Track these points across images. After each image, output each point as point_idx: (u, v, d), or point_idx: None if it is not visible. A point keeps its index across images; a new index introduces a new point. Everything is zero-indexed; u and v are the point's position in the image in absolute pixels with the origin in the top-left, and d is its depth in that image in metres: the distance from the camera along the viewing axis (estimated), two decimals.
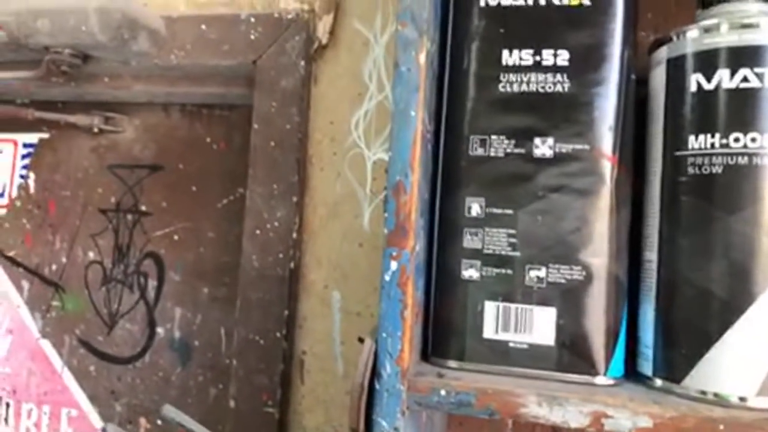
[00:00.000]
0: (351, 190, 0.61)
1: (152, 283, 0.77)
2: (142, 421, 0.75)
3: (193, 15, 0.67)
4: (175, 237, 0.77)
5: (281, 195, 0.61)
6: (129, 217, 0.78)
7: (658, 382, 0.36)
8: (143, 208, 0.78)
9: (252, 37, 0.64)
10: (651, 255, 0.37)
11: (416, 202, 0.36)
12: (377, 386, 0.35)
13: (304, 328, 0.62)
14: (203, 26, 0.66)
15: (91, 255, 0.79)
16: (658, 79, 0.38)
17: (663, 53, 0.38)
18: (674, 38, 0.37)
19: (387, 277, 0.36)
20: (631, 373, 0.38)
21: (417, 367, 0.38)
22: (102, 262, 0.78)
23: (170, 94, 0.73)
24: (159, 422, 0.73)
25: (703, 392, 0.34)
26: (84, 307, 0.78)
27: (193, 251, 0.76)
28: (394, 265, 0.35)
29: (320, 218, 0.62)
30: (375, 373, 0.35)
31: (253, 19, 0.64)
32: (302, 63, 0.62)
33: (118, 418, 0.76)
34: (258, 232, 0.62)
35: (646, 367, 0.37)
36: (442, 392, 0.35)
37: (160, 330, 0.76)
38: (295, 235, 0.61)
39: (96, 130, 0.78)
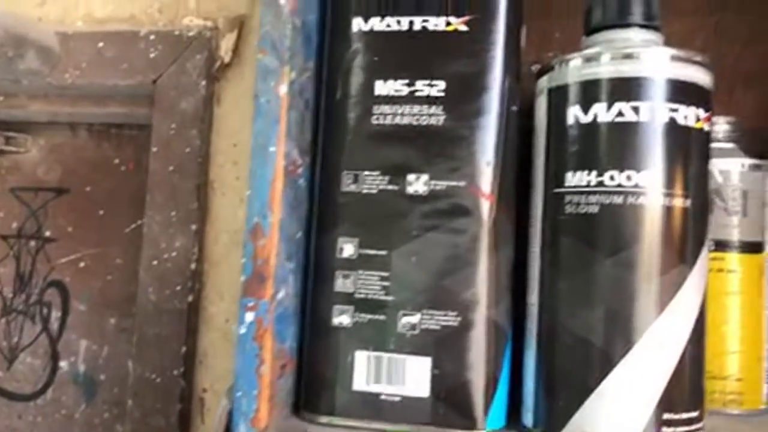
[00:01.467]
0: None
1: (56, 314, 0.72)
2: None
3: (90, 32, 0.63)
4: (81, 264, 0.72)
5: (180, 222, 0.58)
6: (32, 243, 0.73)
7: None
8: (47, 233, 0.73)
9: (151, 55, 0.60)
10: (533, 299, 0.35)
11: (278, 245, 0.33)
12: None
13: (204, 365, 0.58)
14: (101, 43, 0.62)
15: None
16: (541, 110, 0.36)
17: (544, 83, 0.35)
18: (556, 67, 0.35)
19: (242, 331, 0.32)
20: (515, 423, 0.35)
21: (285, 422, 0.35)
22: (1, 292, 0.73)
23: (73, 114, 0.69)
24: None
25: None
26: None
27: (100, 279, 0.71)
28: (249, 317, 0.32)
29: (221, 247, 0.59)
30: None
31: (153, 37, 0.61)
32: (203, 82, 0.59)
33: None
34: (155, 262, 0.58)
35: (528, 418, 0.34)
36: None
37: (63, 364, 0.71)
38: (194, 265, 0.57)
39: None
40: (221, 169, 0.59)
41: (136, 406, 0.57)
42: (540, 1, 0.53)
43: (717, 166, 0.43)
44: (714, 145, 0.45)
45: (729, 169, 0.43)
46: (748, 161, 0.43)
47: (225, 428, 0.33)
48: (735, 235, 0.43)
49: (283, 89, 0.33)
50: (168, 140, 0.59)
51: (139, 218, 0.69)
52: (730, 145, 0.45)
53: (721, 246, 0.43)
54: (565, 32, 0.53)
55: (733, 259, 0.43)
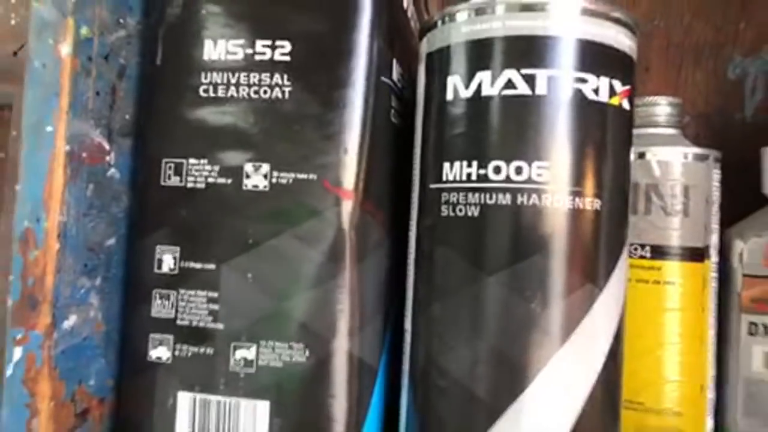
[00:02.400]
0: None
1: None
2: None
3: None
4: None
5: None
6: None
7: None
8: None
9: None
10: (407, 325, 0.27)
11: (59, 259, 0.25)
12: None
13: None
14: None
15: None
16: (420, 80, 0.28)
17: (424, 45, 0.27)
18: (438, 24, 0.27)
19: (9, 371, 0.24)
20: None
21: None
22: None
23: None
24: None
25: None
26: None
27: None
28: (18, 353, 0.24)
29: None
30: None
31: None
32: None
33: None
34: None
35: None
36: None
37: None
38: None
39: None
40: None
41: None
42: None
43: (656, 156, 0.36)
44: (653, 131, 0.38)
45: (669, 159, 0.36)
46: (693, 150, 0.36)
47: None
48: (675, 240, 0.35)
49: (65, 49, 0.25)
50: None
51: None
52: (672, 131, 0.38)
53: (658, 253, 0.35)
54: None
55: (673, 268, 0.35)
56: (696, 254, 0.36)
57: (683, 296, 0.35)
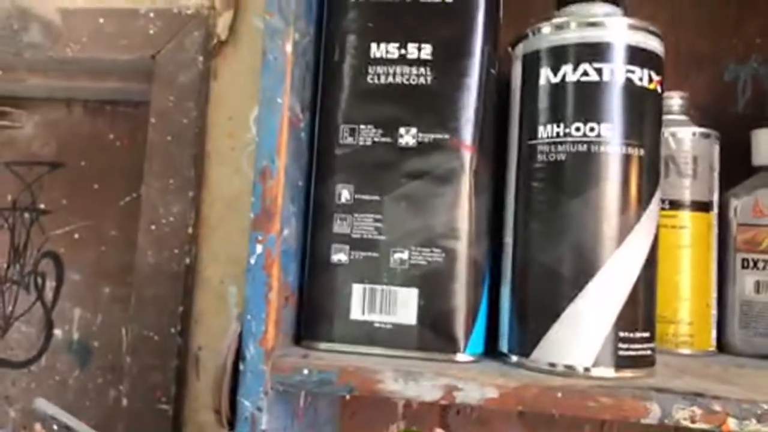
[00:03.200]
0: (249, 186, 0.61)
1: (50, 284, 0.74)
2: (38, 427, 0.72)
3: (91, 8, 0.66)
4: (76, 236, 0.75)
5: (177, 190, 0.61)
6: (26, 215, 0.76)
7: (513, 357, 0.38)
8: (42, 206, 0.76)
9: (151, 31, 0.64)
10: (508, 239, 0.39)
11: (283, 187, 0.37)
12: (241, 367, 0.36)
13: (200, 323, 0.61)
14: (101, 20, 0.65)
15: None
16: (516, 73, 0.40)
17: (520, 49, 0.40)
18: (530, 35, 0.39)
19: (252, 261, 0.36)
20: (493, 350, 0.40)
21: (286, 350, 0.38)
22: None
23: (70, 89, 0.72)
24: (55, 427, 0.70)
25: (553, 364, 0.36)
26: None
27: (94, 250, 0.74)
28: (259, 248, 0.36)
29: (217, 213, 0.62)
30: (240, 355, 0.36)
31: (152, 14, 0.64)
32: (201, 58, 0.62)
33: (11, 424, 0.73)
34: (153, 227, 0.61)
35: (503, 345, 0.39)
36: (305, 371, 0.35)
37: (57, 332, 0.73)
38: (190, 230, 0.61)
39: None
40: (217, 141, 0.63)
41: (135, 363, 0.60)
42: None
43: (672, 134, 0.48)
44: (669, 116, 0.50)
45: (682, 137, 0.48)
46: (699, 130, 0.48)
47: (235, 349, 0.36)
48: (687, 196, 0.48)
49: (289, 48, 0.37)
50: (166, 112, 0.62)
51: (133, 192, 0.72)
52: (683, 117, 0.50)
53: (674, 205, 0.48)
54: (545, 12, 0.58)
55: (685, 216, 0.48)
56: (702, 207, 0.48)
57: (693, 237, 0.48)
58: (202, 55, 0.62)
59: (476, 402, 0.34)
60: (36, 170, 0.77)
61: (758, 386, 0.36)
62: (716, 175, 0.49)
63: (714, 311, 0.48)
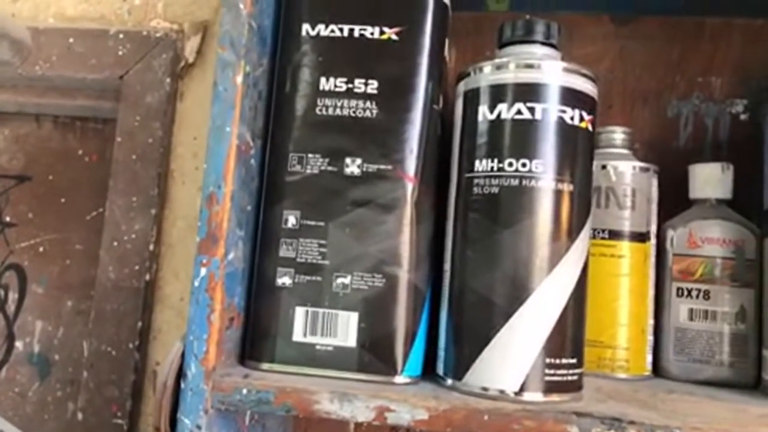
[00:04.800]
0: None
1: (12, 296, 0.74)
2: None
3: (61, 28, 0.67)
4: (41, 249, 0.75)
5: (140, 207, 0.62)
6: None
7: (448, 381, 0.40)
8: (7, 218, 0.76)
9: (120, 52, 0.65)
10: (447, 266, 0.41)
11: (229, 212, 0.38)
12: (182, 385, 0.37)
13: (158, 340, 0.62)
14: (71, 39, 0.66)
15: None
16: (458, 109, 0.42)
17: (462, 87, 0.42)
18: (471, 73, 0.42)
19: (196, 283, 0.38)
20: (431, 373, 0.41)
21: (230, 369, 0.40)
22: None
23: (40, 105, 0.73)
24: None
25: (485, 388, 0.38)
26: None
27: (58, 264, 0.74)
28: (203, 271, 0.38)
29: (179, 232, 0.63)
30: (181, 373, 0.37)
31: (121, 36, 0.66)
32: (168, 80, 0.64)
33: None
34: (115, 243, 0.62)
35: (440, 367, 0.41)
36: (244, 391, 0.37)
37: (18, 344, 0.73)
38: (152, 247, 0.62)
39: None
40: (182, 160, 0.64)
41: (92, 377, 0.60)
42: (474, 23, 0.61)
43: (613, 167, 0.51)
44: (612, 150, 0.53)
45: (623, 170, 0.51)
46: (639, 164, 0.51)
47: (178, 368, 0.37)
48: (626, 226, 0.50)
49: (239, 80, 0.39)
50: (132, 131, 0.63)
51: (100, 207, 0.73)
52: (625, 151, 0.53)
53: (613, 235, 0.50)
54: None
55: (624, 246, 0.50)
56: (640, 237, 0.50)
57: (631, 266, 0.50)
58: (169, 76, 0.64)
59: (407, 423, 0.36)
60: (3, 183, 0.77)
61: (677, 411, 0.38)
62: (654, 207, 0.52)
63: (650, 337, 0.51)
